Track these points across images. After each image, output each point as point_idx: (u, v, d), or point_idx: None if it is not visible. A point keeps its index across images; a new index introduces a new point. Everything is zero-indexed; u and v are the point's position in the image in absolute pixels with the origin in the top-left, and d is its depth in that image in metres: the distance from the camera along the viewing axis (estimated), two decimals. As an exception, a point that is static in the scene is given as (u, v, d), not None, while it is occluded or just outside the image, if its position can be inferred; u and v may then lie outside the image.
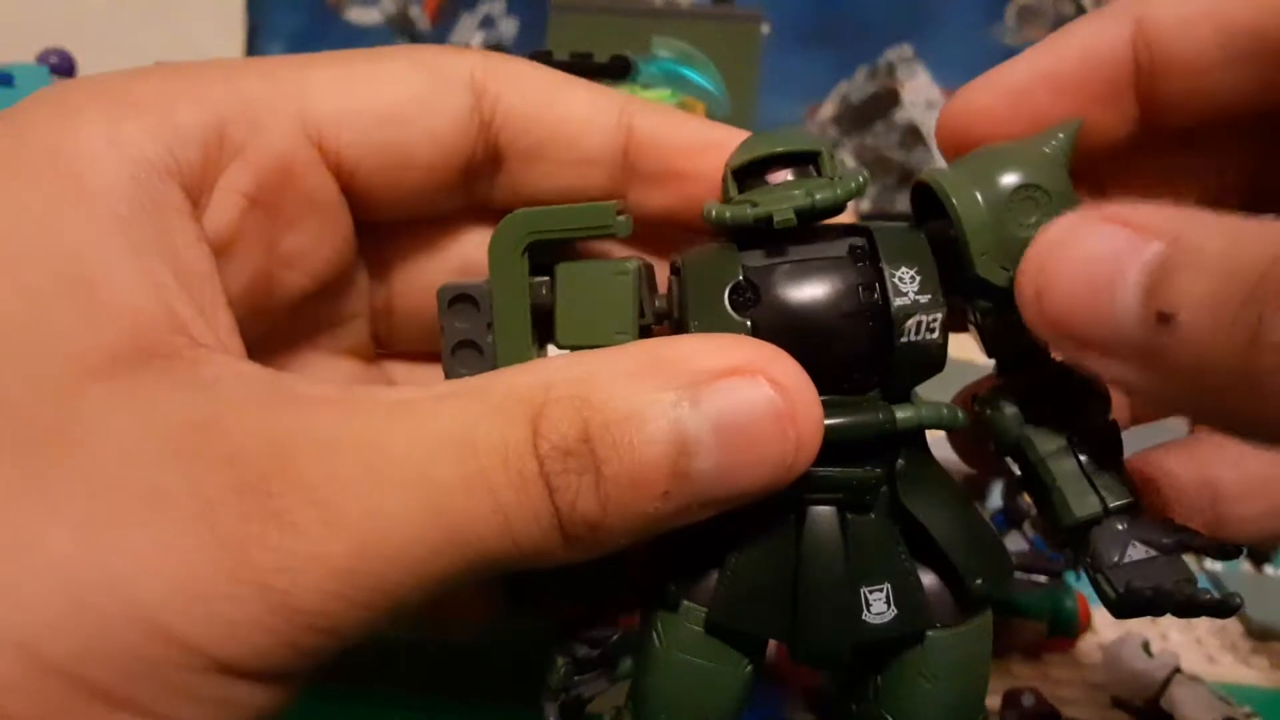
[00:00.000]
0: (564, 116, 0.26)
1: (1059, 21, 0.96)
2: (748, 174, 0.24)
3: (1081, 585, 0.49)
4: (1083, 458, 0.24)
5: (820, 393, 0.22)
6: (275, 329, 0.26)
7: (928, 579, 0.24)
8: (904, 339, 0.23)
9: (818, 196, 0.23)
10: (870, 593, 0.23)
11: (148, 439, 0.19)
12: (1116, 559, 0.23)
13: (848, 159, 1.04)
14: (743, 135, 0.26)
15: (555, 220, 0.25)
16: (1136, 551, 0.23)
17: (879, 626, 0.23)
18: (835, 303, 0.23)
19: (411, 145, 0.25)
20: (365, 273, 0.28)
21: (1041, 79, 0.25)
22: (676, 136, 0.27)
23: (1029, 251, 0.22)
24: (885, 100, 1.01)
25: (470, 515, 0.19)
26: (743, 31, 0.91)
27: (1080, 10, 0.96)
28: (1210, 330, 0.18)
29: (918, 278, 0.23)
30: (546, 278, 0.25)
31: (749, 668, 0.24)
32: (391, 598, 0.19)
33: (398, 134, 0.25)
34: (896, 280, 0.23)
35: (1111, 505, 0.23)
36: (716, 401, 0.20)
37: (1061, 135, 0.24)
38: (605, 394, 0.20)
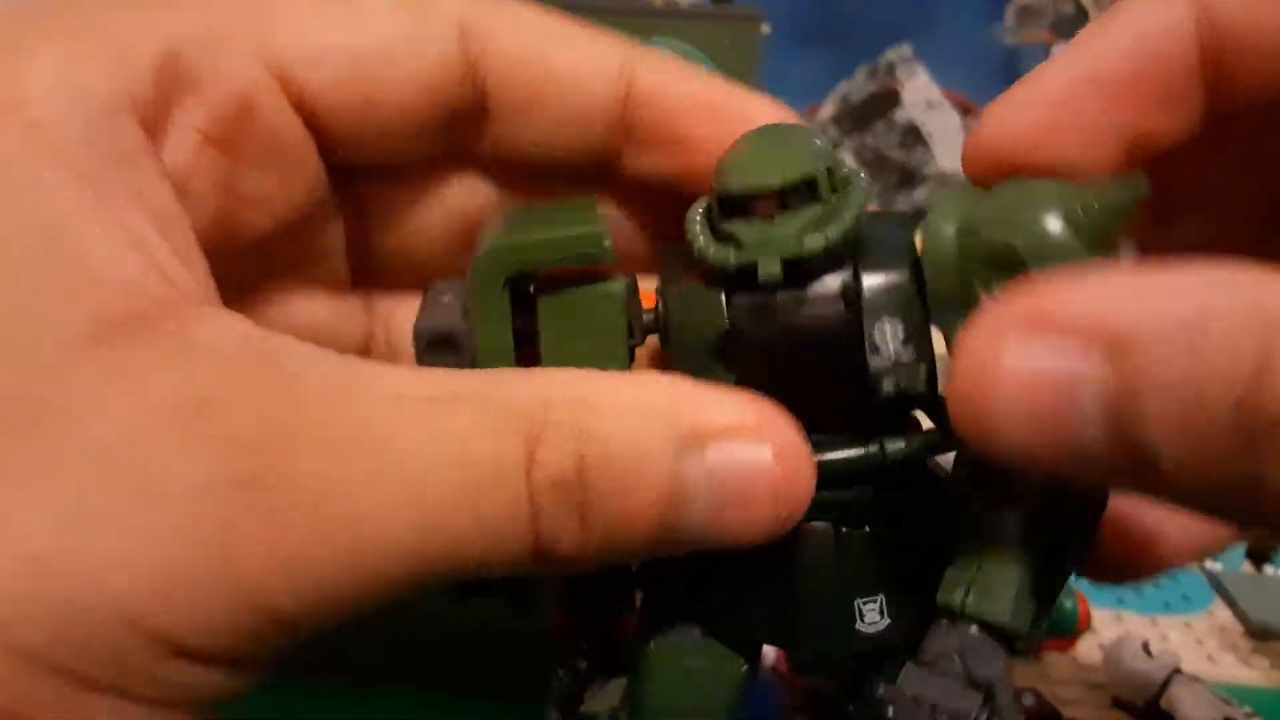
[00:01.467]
0: (558, 67, 0.24)
1: (1059, 21, 0.96)
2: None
3: (1080, 585, 0.49)
4: (1000, 560, 0.22)
5: (810, 431, 0.21)
6: (241, 264, 0.25)
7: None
8: (884, 393, 0.22)
9: (807, 243, 0.21)
10: (864, 604, 0.23)
11: (139, 419, 0.18)
12: (928, 660, 0.21)
13: (847, 159, 1.04)
14: (751, 98, 0.24)
15: (537, 252, 0.23)
16: (953, 665, 0.21)
17: (873, 635, 0.23)
18: (823, 355, 0.22)
19: (386, 88, 0.23)
20: (339, 211, 0.27)
21: (1089, 84, 0.21)
22: (680, 97, 0.25)
23: (955, 366, 0.18)
24: (885, 100, 1.01)
25: (454, 530, 0.19)
26: (743, 31, 0.90)
27: (1080, 10, 0.96)
28: (1198, 472, 0.15)
29: (901, 330, 0.22)
30: (526, 314, 0.24)
31: (744, 668, 0.25)
32: (366, 602, 0.19)
33: (371, 74, 0.23)
34: (875, 338, 0.22)
35: (975, 613, 0.21)
36: (717, 458, 0.20)
37: (1118, 196, 0.20)
38: (605, 427, 0.19)
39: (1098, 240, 0.20)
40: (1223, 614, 0.51)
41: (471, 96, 0.24)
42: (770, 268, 0.21)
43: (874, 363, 0.22)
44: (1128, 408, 0.16)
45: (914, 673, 0.21)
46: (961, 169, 0.23)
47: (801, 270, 0.22)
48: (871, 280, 0.22)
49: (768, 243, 0.21)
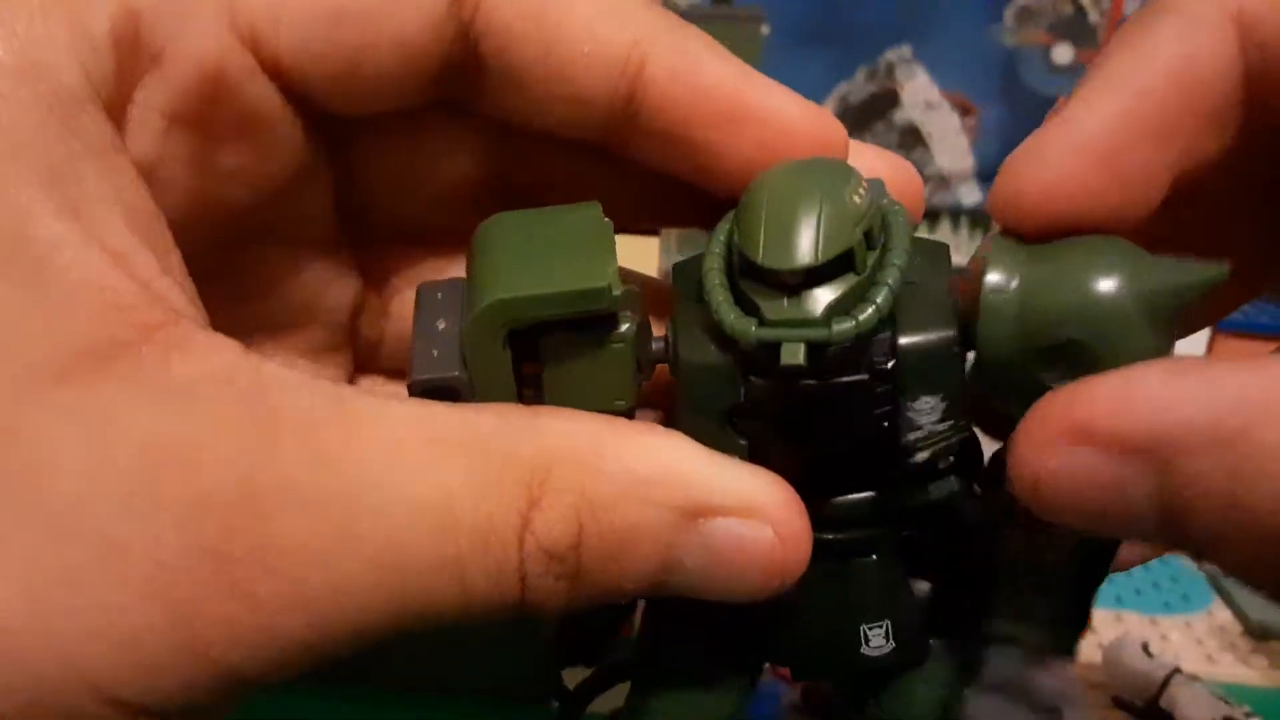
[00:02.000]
0: (558, 39, 0.22)
1: (1058, 21, 0.96)
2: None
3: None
4: (1044, 588, 0.22)
5: (822, 493, 0.21)
6: (219, 233, 0.23)
7: (926, 587, 0.24)
8: (913, 461, 0.21)
9: (835, 331, 0.19)
10: (870, 629, 0.23)
11: (105, 476, 0.17)
12: (992, 686, 0.22)
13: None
14: (775, 97, 0.22)
15: (541, 307, 0.21)
16: (1018, 692, 0.22)
17: (877, 659, 0.23)
18: (846, 432, 0.21)
19: (368, 50, 0.21)
20: (326, 167, 0.25)
21: (1133, 123, 0.19)
22: (697, 93, 0.22)
23: (1012, 455, 0.18)
24: (885, 101, 1.01)
25: (435, 591, 0.18)
26: (743, 31, 0.91)
27: (1080, 10, 0.96)
28: (1247, 560, 0.16)
29: (940, 406, 0.21)
30: (529, 359, 0.22)
31: (745, 682, 0.25)
32: (335, 659, 0.18)
33: (352, 36, 0.21)
34: (912, 413, 0.21)
35: (1032, 642, 0.22)
36: (718, 536, 0.19)
37: (1193, 281, 0.19)
38: (608, 496, 0.19)
39: (1162, 323, 0.19)
40: (1222, 614, 0.51)
41: (463, 60, 0.22)
42: (793, 358, 0.19)
43: (909, 437, 0.21)
44: (1175, 508, 0.16)
45: (983, 702, 0.22)
46: (992, 216, 0.21)
47: (827, 354, 0.20)
48: (910, 353, 0.20)
49: (793, 322, 0.19)
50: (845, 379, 0.20)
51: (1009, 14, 0.99)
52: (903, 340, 0.20)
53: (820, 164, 0.21)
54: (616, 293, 0.21)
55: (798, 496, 0.20)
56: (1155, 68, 0.19)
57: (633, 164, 0.24)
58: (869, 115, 1.02)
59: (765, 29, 0.94)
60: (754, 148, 0.22)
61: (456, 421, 0.19)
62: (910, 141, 1.00)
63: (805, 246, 0.19)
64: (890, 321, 0.20)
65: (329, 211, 0.26)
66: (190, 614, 0.17)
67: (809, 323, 0.19)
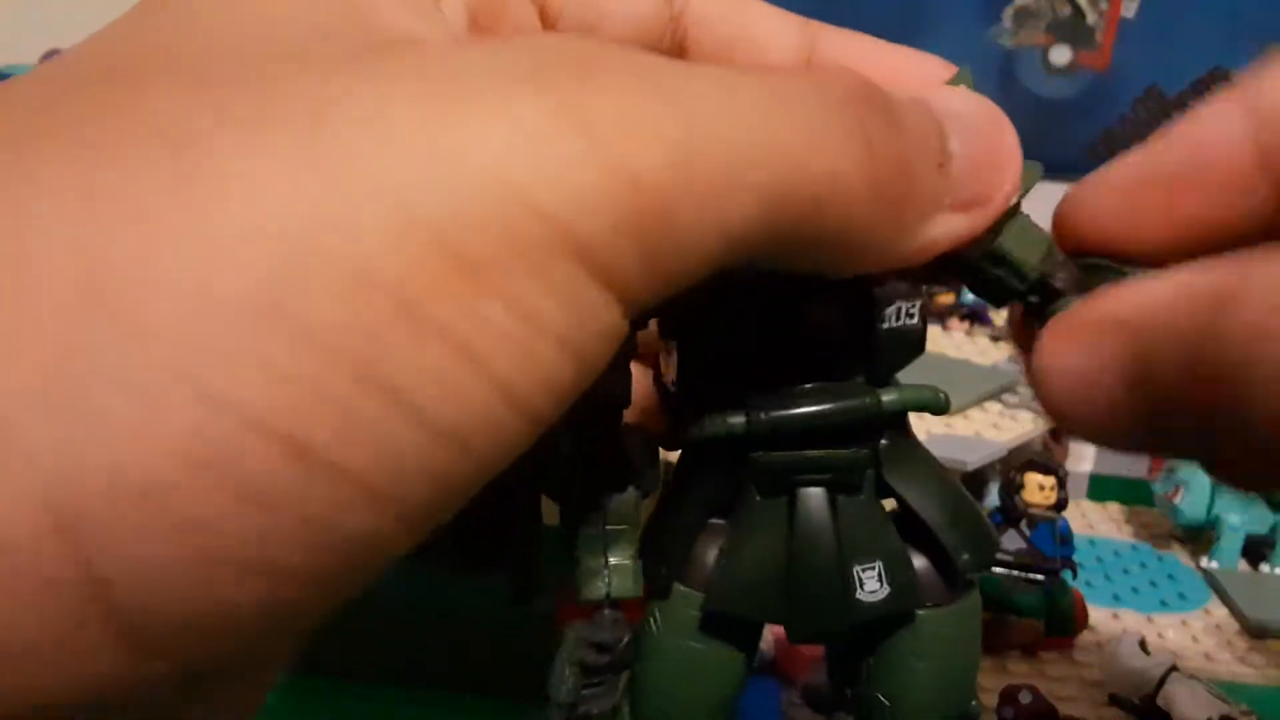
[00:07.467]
0: (752, 20, 0.26)
1: (1056, 23, 0.96)
2: None
3: (1079, 584, 0.50)
4: None
5: (804, 380, 0.23)
6: None
7: (916, 560, 0.25)
8: (885, 325, 0.23)
9: None
10: (863, 571, 0.24)
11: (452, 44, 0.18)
12: None
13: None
14: (922, 59, 0.26)
15: None
16: None
17: (873, 605, 0.24)
18: (817, 289, 0.23)
19: (610, 17, 0.25)
20: None
21: (1149, 178, 0.23)
22: (860, 59, 0.27)
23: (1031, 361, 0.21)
24: (883, 101, 1.02)
25: (788, 140, 0.18)
26: (741, 33, 0.91)
27: (1078, 12, 0.96)
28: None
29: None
30: None
31: (743, 658, 0.25)
32: (721, 258, 0.17)
33: (601, 2, 0.25)
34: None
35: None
36: (945, 103, 0.22)
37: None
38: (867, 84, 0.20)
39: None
40: (1219, 612, 0.52)
41: (672, 43, 0.26)
42: None
43: (877, 290, 0.23)
44: (1139, 376, 0.19)
45: None
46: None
47: None
48: None
49: None
50: None
51: (1007, 15, 0.99)
52: None
53: None
54: None
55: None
56: (1172, 140, 0.23)
57: None
58: (868, 116, 1.03)
59: (764, 30, 0.94)
60: None
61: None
62: (909, 142, 1.00)
63: None
64: None
65: None
66: (586, 120, 0.16)
67: None
